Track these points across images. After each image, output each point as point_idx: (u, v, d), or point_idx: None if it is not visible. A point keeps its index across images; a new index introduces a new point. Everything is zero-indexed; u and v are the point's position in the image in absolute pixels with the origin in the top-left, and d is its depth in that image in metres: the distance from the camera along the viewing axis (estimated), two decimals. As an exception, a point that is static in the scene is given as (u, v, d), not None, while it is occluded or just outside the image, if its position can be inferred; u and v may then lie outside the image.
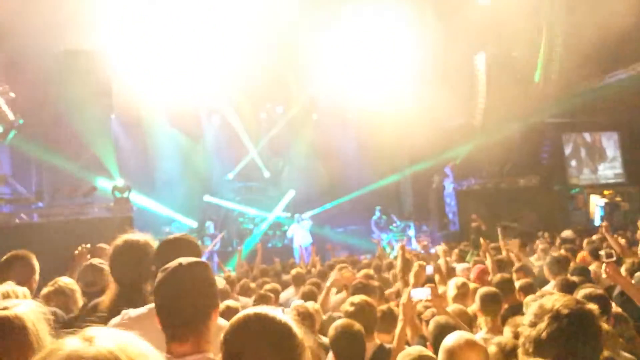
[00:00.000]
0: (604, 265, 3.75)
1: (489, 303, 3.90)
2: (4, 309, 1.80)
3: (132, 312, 2.29)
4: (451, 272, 6.41)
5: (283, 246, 15.99)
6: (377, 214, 16.88)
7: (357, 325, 3.20)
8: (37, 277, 3.51)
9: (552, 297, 1.87)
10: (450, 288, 4.79)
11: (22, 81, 11.61)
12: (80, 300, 3.63)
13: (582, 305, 1.82)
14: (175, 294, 1.83)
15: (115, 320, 2.28)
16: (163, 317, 1.85)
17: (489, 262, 6.20)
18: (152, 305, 2.02)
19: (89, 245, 4.70)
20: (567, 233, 10.72)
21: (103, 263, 3.73)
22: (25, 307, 1.84)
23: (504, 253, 7.48)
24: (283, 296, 6.16)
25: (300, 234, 15.30)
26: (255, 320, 1.55)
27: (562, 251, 7.01)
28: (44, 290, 3.74)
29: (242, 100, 16.64)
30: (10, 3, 10.31)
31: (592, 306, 1.85)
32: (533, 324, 1.80)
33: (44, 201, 12.16)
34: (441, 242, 11.63)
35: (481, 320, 3.97)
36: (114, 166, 13.03)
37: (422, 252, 10.20)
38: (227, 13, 13.35)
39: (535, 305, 1.85)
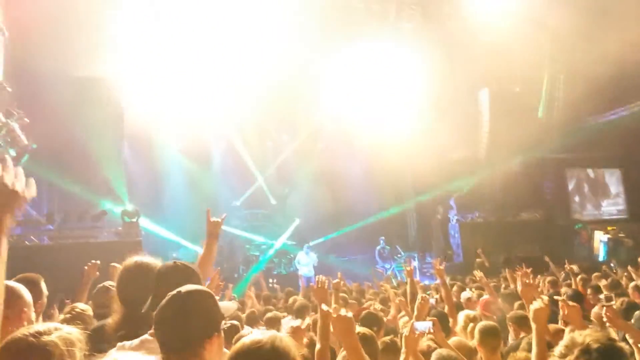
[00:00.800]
0: (604, 309, 3.81)
1: (489, 337, 3.93)
2: (36, 335, 1.74)
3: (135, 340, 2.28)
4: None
5: (288, 274, 15.93)
6: (382, 243, 16.86)
7: (366, 357, 3.20)
8: (44, 300, 3.42)
9: (584, 332, 1.87)
10: (460, 319, 4.86)
11: (37, 107, 11.86)
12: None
13: (613, 341, 1.82)
14: (170, 321, 1.85)
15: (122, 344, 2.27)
16: (160, 343, 1.87)
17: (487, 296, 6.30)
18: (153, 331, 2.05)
19: (98, 262, 4.67)
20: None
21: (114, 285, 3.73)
22: (58, 335, 1.78)
23: (512, 286, 7.52)
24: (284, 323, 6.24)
25: (304, 264, 15.29)
26: (254, 348, 1.57)
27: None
28: (61, 317, 3.71)
29: (249, 128, 16.95)
30: (26, 31, 10.64)
31: (623, 344, 1.86)
32: (563, 356, 1.81)
33: (54, 224, 12.18)
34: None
35: (481, 354, 3.99)
36: (123, 191, 13.19)
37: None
38: (236, 43, 13.75)
39: (567, 338, 1.88)
